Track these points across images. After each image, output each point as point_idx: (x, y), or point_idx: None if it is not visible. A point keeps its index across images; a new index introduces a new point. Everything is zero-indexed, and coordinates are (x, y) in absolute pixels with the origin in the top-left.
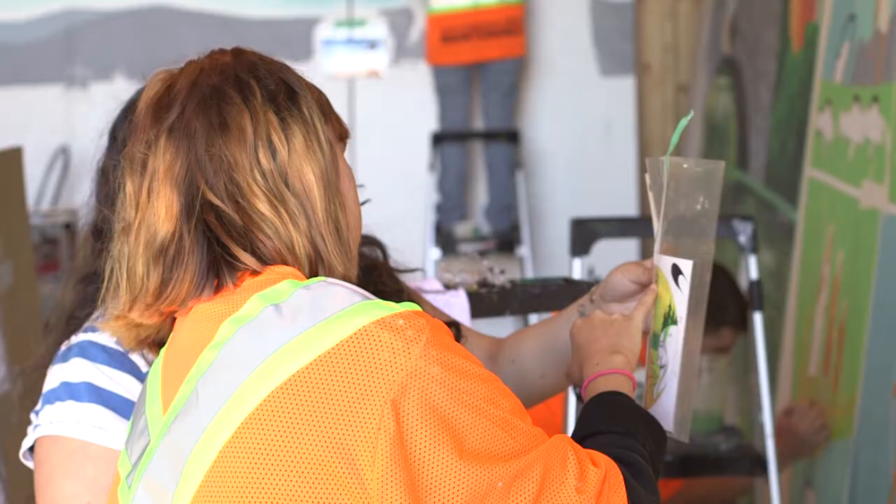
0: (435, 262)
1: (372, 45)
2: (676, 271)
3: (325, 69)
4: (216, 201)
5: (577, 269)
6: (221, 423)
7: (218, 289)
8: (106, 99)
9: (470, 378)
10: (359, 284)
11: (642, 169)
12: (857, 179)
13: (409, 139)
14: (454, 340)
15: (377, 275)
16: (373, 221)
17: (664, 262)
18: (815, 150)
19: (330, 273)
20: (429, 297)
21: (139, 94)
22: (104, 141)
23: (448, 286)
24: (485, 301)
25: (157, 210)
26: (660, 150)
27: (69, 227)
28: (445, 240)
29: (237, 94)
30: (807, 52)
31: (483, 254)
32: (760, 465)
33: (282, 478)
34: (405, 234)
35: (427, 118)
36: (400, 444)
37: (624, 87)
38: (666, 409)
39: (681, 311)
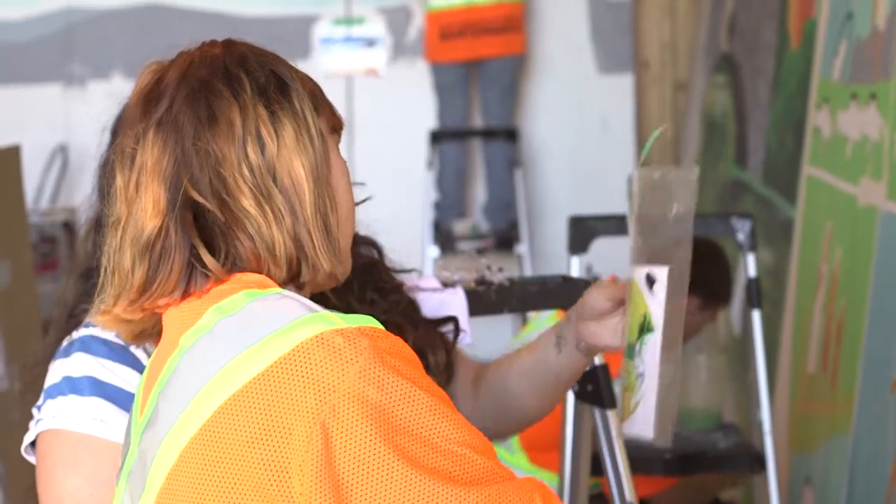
0: (433, 261)
1: (370, 43)
2: (650, 280)
3: (323, 67)
4: (199, 198)
5: (575, 267)
6: (174, 438)
7: (187, 293)
8: (104, 97)
9: (413, 404)
10: (358, 282)
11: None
12: (855, 177)
13: (408, 137)
14: (409, 362)
15: (377, 272)
16: (371, 219)
17: (638, 274)
18: (813, 148)
19: (314, 272)
20: (426, 295)
21: None
22: (106, 136)
23: (446, 284)
24: (483, 299)
25: (144, 205)
26: (657, 148)
27: (67, 226)
28: (444, 238)
29: (226, 87)
30: (805, 49)
31: (482, 252)
32: (759, 462)
33: (222, 496)
34: (404, 232)
35: (425, 116)
36: (329, 467)
37: (622, 85)
38: (645, 417)
39: (657, 319)
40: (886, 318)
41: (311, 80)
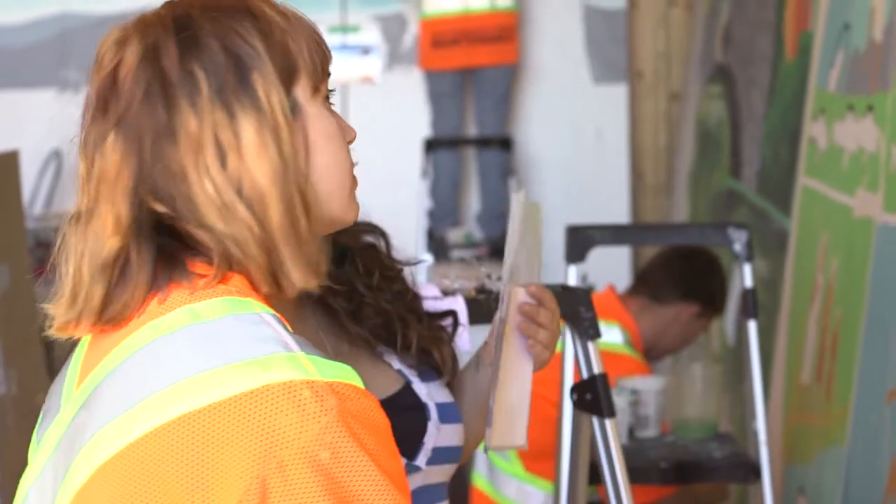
0: (427, 268)
1: (365, 50)
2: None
3: None
4: (162, 209)
5: (572, 276)
6: (100, 442)
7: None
8: None
9: (363, 480)
10: (364, 264)
11: (635, 176)
12: (851, 188)
13: (402, 145)
14: (374, 432)
15: (379, 257)
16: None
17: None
18: (808, 159)
19: (287, 283)
20: (427, 304)
21: None
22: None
23: (446, 292)
24: (483, 307)
25: (103, 220)
26: (652, 158)
27: None
28: (437, 246)
29: (182, 87)
30: (801, 60)
31: (477, 260)
32: (754, 472)
33: None
34: (397, 240)
35: (420, 124)
36: None
37: (616, 95)
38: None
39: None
40: (882, 328)
41: (284, 22)
